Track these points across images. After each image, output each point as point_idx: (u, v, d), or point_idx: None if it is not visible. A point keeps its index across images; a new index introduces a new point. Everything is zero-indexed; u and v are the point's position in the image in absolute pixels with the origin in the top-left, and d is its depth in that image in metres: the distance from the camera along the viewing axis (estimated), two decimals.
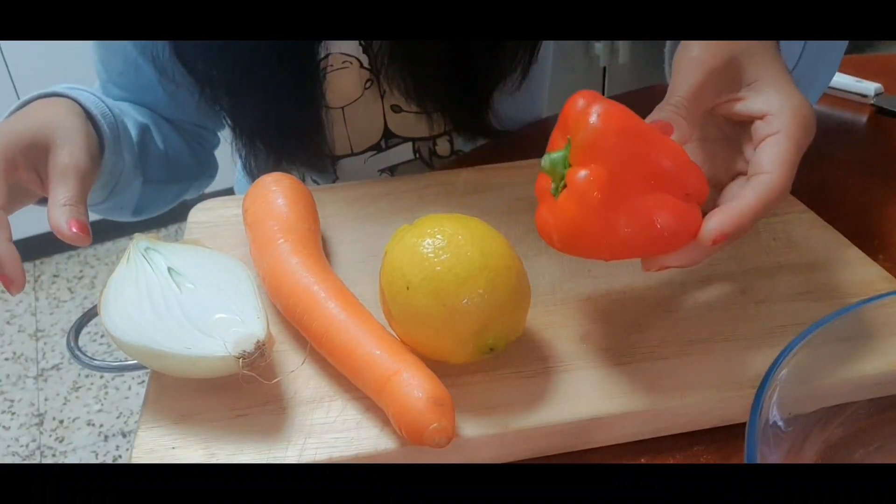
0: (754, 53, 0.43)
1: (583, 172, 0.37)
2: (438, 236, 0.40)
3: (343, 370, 0.42)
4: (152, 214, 0.73)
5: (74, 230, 0.46)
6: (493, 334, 0.40)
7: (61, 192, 0.47)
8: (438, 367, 0.40)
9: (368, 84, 0.69)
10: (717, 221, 0.38)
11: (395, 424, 0.38)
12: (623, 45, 1.94)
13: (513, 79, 0.69)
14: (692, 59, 0.42)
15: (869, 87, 0.75)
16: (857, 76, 0.77)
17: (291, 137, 0.70)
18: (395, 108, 0.71)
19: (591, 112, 0.37)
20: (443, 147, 0.75)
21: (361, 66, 0.68)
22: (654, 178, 0.37)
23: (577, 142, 0.38)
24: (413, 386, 0.38)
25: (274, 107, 0.66)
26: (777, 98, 0.41)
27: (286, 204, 0.51)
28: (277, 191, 0.52)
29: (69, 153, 0.50)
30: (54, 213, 0.46)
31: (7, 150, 0.48)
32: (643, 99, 0.81)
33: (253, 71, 0.64)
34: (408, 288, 0.40)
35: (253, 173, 0.76)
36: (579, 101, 0.39)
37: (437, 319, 0.39)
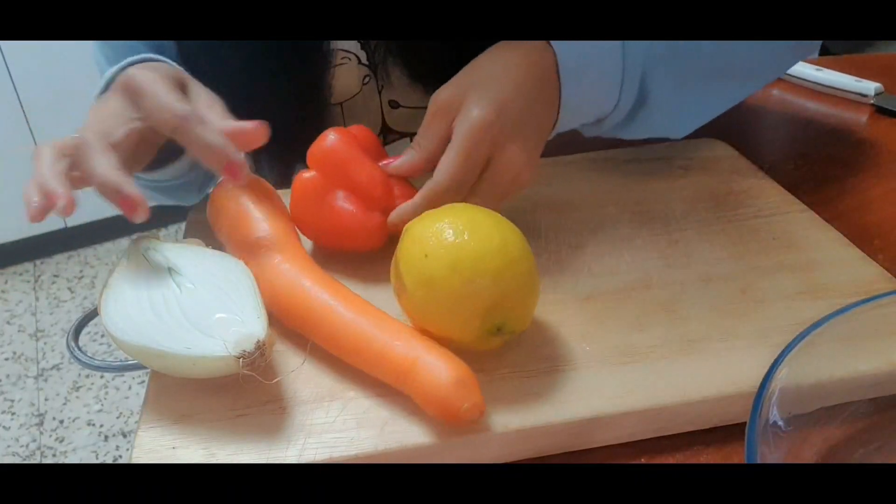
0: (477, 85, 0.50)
1: (307, 174, 0.51)
2: (461, 218, 0.42)
3: (361, 365, 0.42)
4: (192, 202, 0.73)
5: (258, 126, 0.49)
6: (501, 315, 0.41)
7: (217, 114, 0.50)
8: None
9: (366, 80, 0.69)
10: (392, 213, 0.50)
11: (426, 409, 0.39)
12: None
13: None
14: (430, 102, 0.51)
15: (869, 86, 0.75)
16: (857, 76, 0.77)
17: (298, 135, 0.70)
18: (393, 104, 0.71)
19: (323, 140, 0.51)
20: None
21: (360, 61, 0.68)
22: (351, 189, 0.50)
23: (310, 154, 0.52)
24: (436, 369, 0.39)
25: (281, 104, 0.66)
26: (461, 112, 0.49)
27: (256, 209, 0.49)
28: (240, 196, 0.50)
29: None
30: (223, 124, 0.49)
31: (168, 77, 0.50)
32: None
33: (259, 70, 0.64)
34: (426, 256, 0.41)
35: (262, 170, 0.76)
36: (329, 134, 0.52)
37: (451, 288, 0.40)
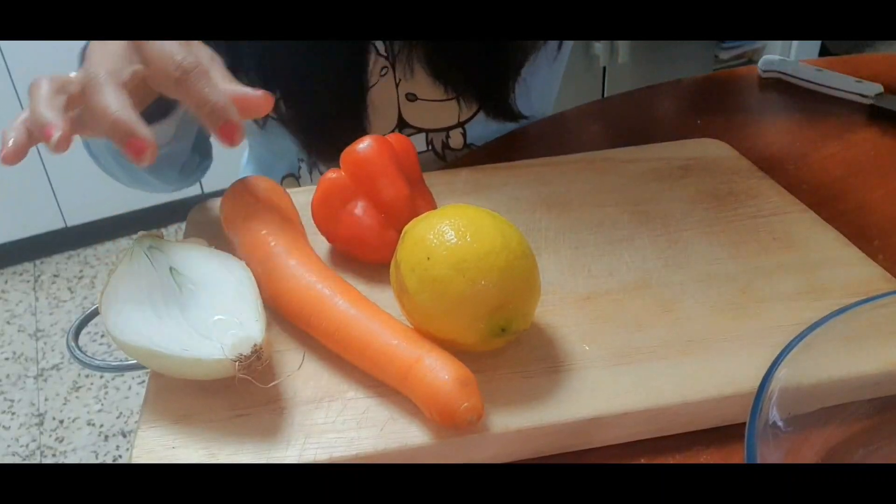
0: None
1: (335, 174, 0.51)
2: (461, 219, 0.42)
3: (361, 364, 0.42)
4: (182, 187, 0.72)
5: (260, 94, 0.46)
6: (506, 315, 0.41)
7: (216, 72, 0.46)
8: None
9: (384, 72, 0.69)
10: None
11: (425, 410, 0.39)
12: (623, 45, 1.94)
13: (548, 52, 0.69)
14: None
15: (869, 87, 0.75)
16: (856, 76, 0.77)
17: (336, 126, 0.69)
18: (410, 97, 0.71)
19: (360, 143, 0.51)
20: (456, 140, 0.75)
21: (378, 53, 0.68)
22: (374, 201, 0.50)
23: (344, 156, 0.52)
24: (437, 370, 0.39)
25: (324, 96, 0.66)
26: None
27: (267, 205, 0.51)
28: (255, 194, 0.52)
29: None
30: (228, 87, 0.46)
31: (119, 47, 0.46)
32: (642, 99, 0.82)
33: (304, 66, 0.64)
34: (428, 258, 0.40)
35: (316, 166, 0.76)
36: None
37: (456, 290, 0.40)
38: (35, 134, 0.41)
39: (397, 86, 0.70)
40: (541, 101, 0.78)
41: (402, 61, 0.68)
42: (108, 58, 0.44)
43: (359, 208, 0.50)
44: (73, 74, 0.45)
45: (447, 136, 0.74)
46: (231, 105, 0.43)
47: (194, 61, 0.43)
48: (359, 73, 0.67)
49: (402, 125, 0.72)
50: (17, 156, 0.41)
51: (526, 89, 0.72)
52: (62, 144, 0.40)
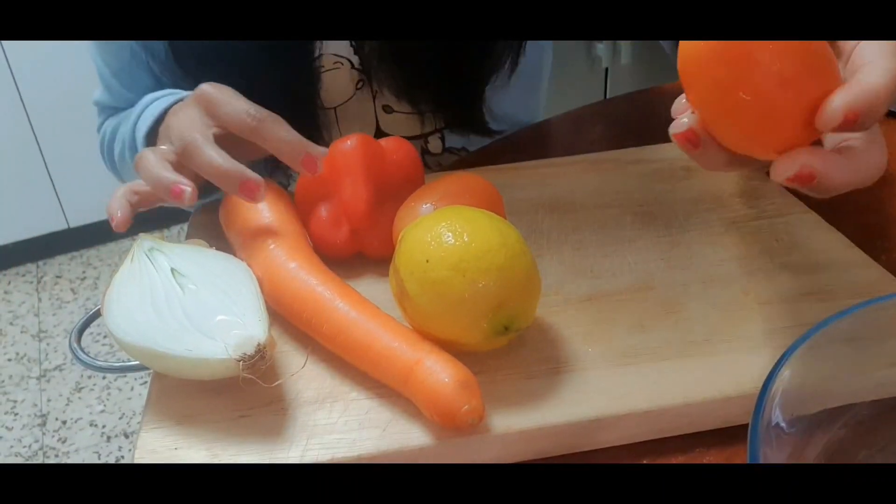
0: None
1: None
2: (458, 220, 0.42)
3: (362, 366, 0.42)
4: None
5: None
6: (508, 313, 0.40)
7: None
8: None
9: (360, 84, 0.69)
10: (842, 99, 0.32)
11: (426, 412, 0.39)
12: (625, 46, 1.94)
13: (503, 73, 0.69)
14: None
15: None
16: None
17: None
18: (387, 109, 0.71)
19: (344, 141, 0.52)
20: (434, 145, 0.75)
21: (353, 66, 0.68)
22: (336, 198, 0.52)
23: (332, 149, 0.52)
24: (438, 372, 0.39)
25: (270, 108, 0.67)
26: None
27: (267, 207, 0.51)
28: None
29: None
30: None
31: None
32: (645, 100, 0.82)
33: (248, 73, 0.64)
34: (427, 261, 0.40)
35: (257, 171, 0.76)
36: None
37: (457, 290, 0.40)
38: (160, 195, 0.48)
39: (374, 98, 0.70)
40: (524, 110, 0.78)
41: (374, 74, 0.68)
42: (193, 124, 0.50)
43: (323, 203, 0.52)
44: (164, 147, 0.51)
45: (426, 142, 0.75)
46: (305, 140, 0.49)
47: (262, 110, 0.49)
48: (309, 96, 0.68)
49: (380, 135, 0.73)
50: (126, 223, 0.49)
51: (506, 100, 0.72)
52: (193, 197, 0.47)
